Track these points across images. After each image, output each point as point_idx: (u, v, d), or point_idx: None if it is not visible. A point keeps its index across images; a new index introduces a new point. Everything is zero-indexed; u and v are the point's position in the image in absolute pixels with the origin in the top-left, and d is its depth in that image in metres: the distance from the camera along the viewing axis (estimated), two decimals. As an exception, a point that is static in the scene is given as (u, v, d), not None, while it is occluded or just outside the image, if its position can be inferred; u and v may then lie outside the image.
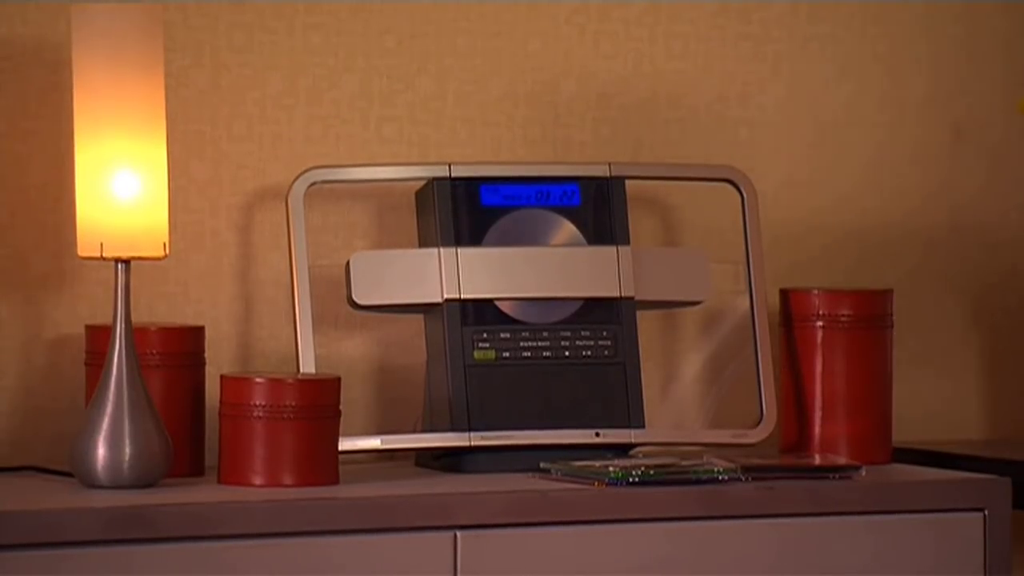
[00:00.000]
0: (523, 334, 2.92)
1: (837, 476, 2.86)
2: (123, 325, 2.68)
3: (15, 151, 2.84)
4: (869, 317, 3.03)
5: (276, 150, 2.97)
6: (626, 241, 2.95)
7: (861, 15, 3.25)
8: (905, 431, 3.17)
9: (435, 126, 3.04)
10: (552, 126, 3.08)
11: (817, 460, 2.96)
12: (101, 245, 2.68)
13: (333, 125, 3.00)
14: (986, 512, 2.90)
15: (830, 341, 3.03)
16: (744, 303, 3.08)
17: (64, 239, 2.82)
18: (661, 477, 2.78)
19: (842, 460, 2.96)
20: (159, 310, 2.88)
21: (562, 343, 2.93)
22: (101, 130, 2.69)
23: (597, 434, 2.92)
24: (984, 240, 3.29)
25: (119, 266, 2.68)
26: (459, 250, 2.91)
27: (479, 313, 2.91)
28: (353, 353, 3.00)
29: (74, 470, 2.70)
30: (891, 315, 3.05)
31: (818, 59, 3.23)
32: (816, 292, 3.03)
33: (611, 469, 2.77)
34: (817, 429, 3.03)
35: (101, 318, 2.82)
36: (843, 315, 3.02)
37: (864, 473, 2.90)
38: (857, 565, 2.86)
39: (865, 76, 3.25)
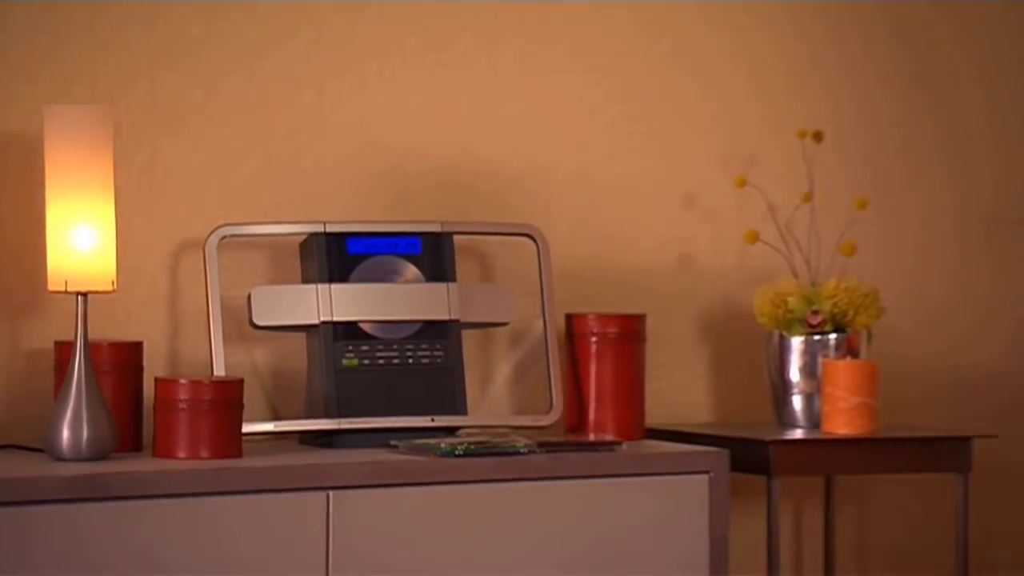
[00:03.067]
0: (378, 347, 2.90)
1: (605, 449, 2.86)
2: (82, 341, 2.66)
3: (0, 213, 2.82)
4: (628, 334, 3.03)
5: (197, 212, 2.94)
6: (454, 279, 2.94)
7: (629, 113, 3.23)
8: (654, 417, 3.16)
9: (314, 195, 3.02)
10: (400, 195, 3.06)
11: (591, 438, 2.98)
12: (66, 282, 2.66)
13: (239, 194, 2.97)
14: (711, 474, 2.89)
15: (601, 352, 3.02)
16: (539, 324, 3.06)
17: (38, 278, 2.78)
18: (479, 451, 2.78)
19: (609, 437, 2.98)
20: (109, 330, 2.84)
21: (407, 353, 2.91)
22: (65, 197, 2.67)
23: (432, 420, 2.90)
24: (712, 280, 3.26)
25: (79, 298, 2.66)
26: (331, 286, 2.88)
27: (346, 332, 2.89)
28: (253, 361, 2.97)
29: (45, 447, 2.67)
30: (644, 333, 3.05)
31: (598, 141, 3.20)
32: (591, 316, 3.03)
33: (442, 445, 2.77)
34: (591, 415, 3.03)
35: (66, 336, 2.78)
36: (610, 332, 3.02)
37: (624, 447, 2.90)
38: (620, 514, 2.85)
39: (632, 152, 3.22)
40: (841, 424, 3.03)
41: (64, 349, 2.75)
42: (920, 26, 3.39)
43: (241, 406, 2.74)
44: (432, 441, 2.81)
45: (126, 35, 2.91)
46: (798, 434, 3.07)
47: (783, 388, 3.12)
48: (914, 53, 3.38)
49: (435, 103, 3.09)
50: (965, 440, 3.09)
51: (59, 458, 2.67)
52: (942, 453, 3.09)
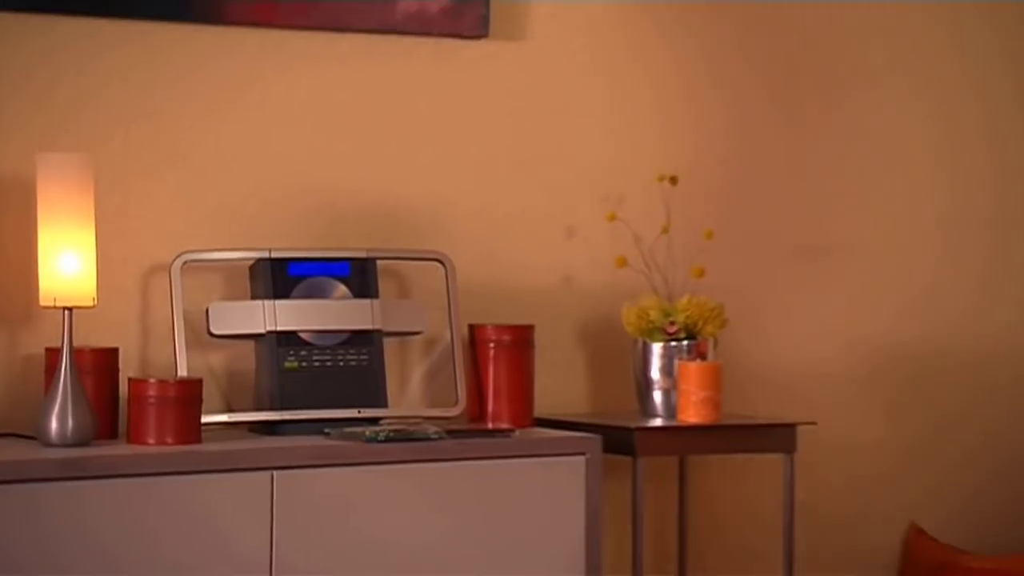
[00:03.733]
0: (314, 352, 2.88)
1: (501, 435, 2.87)
2: (67, 348, 2.66)
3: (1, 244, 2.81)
4: (520, 341, 3.03)
5: (163, 242, 2.91)
6: (376, 296, 2.93)
7: (529, 146, 3.22)
8: (541, 408, 3.12)
9: (261, 227, 3.00)
10: (332, 227, 3.03)
11: (490, 426, 2.98)
12: (54, 299, 2.66)
13: (199, 226, 2.95)
14: (587, 455, 2.87)
15: (497, 356, 3.02)
16: (447, 333, 3.04)
17: (32, 295, 2.74)
18: (397, 437, 2.77)
19: (504, 426, 2.98)
20: (90, 338, 2.81)
21: (338, 357, 2.89)
22: (54, 229, 2.67)
23: (359, 412, 2.88)
24: (588, 297, 3.24)
25: (65, 312, 2.66)
26: (275, 302, 2.87)
27: (287, 339, 2.87)
28: (210, 363, 2.94)
29: (37, 435, 2.66)
30: (533, 340, 3.05)
31: (496, 183, 3.17)
32: (489, 326, 3.03)
33: (367, 432, 2.77)
34: (489, 407, 3.02)
35: (54, 343, 2.75)
36: (505, 340, 3.02)
37: (517, 433, 2.91)
38: (513, 489, 2.84)
39: (524, 192, 3.20)
40: (692, 414, 3.03)
41: (53, 354, 2.73)
42: (750, 85, 3.38)
43: (200, 401, 2.74)
44: (359, 429, 2.80)
45: (104, 92, 2.89)
46: (658, 422, 3.07)
47: (646, 385, 3.10)
48: (747, 113, 3.38)
49: (361, 151, 3.08)
50: (790, 426, 3.10)
51: (49, 444, 2.65)
52: (772, 437, 3.08)
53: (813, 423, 3.15)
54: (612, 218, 3.16)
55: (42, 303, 2.67)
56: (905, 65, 3.52)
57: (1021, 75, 3.63)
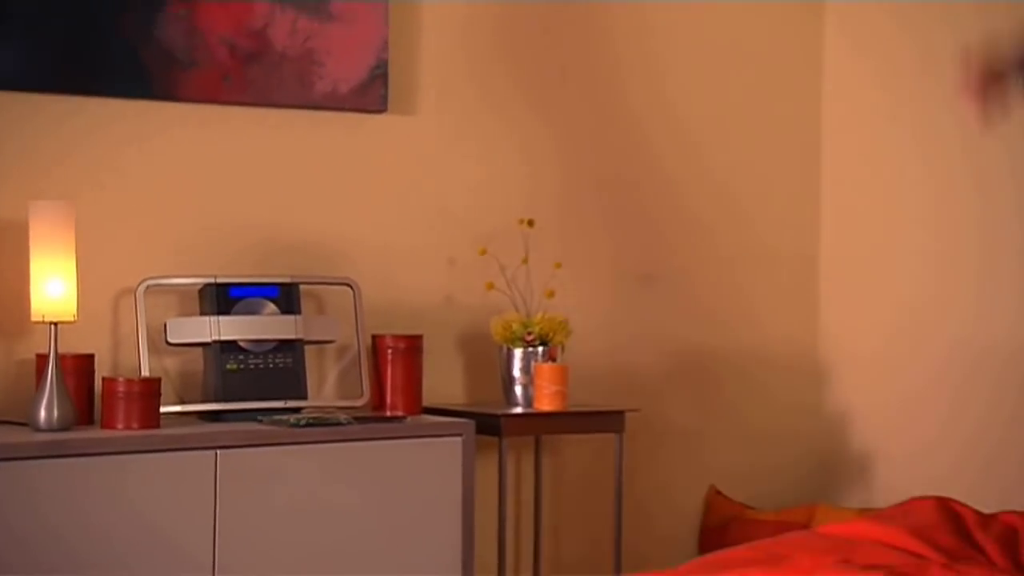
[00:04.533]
0: (250, 356, 2.86)
1: (397, 420, 2.86)
2: (54, 354, 2.65)
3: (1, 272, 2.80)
4: (412, 348, 3.01)
5: (130, 270, 2.88)
6: (300, 312, 2.90)
7: (443, 175, 3.18)
8: (428, 400, 3.09)
9: (208, 259, 2.97)
10: (265, 258, 3.00)
11: (388, 413, 2.97)
12: (43, 316, 2.66)
13: (159, 258, 2.92)
14: (463, 437, 2.85)
15: (394, 359, 2.99)
16: (355, 341, 3.00)
17: (25, 313, 2.71)
18: (315, 423, 2.76)
19: (399, 413, 2.96)
20: (72, 346, 2.77)
21: (268, 360, 2.87)
22: (43, 260, 2.67)
23: (285, 403, 2.85)
24: (465, 314, 3.21)
25: (52, 326, 2.66)
26: (219, 317, 2.85)
27: (229, 347, 2.85)
28: (168, 366, 2.91)
29: (29, 422, 2.64)
30: (422, 347, 3.02)
31: (393, 223, 3.13)
32: (388, 336, 3.00)
33: (291, 419, 2.76)
34: (388, 399, 3.00)
35: (43, 350, 2.72)
36: (400, 346, 2.99)
37: (409, 420, 2.89)
38: (406, 463, 2.81)
39: (415, 230, 3.15)
40: (545, 403, 3.04)
41: (42, 359, 2.71)
42: (598, 145, 3.37)
43: (159, 394, 2.72)
44: (285, 417, 2.79)
45: (83, 153, 2.87)
46: (518, 410, 3.06)
47: (509, 381, 3.12)
48: (593, 167, 3.37)
49: (288, 200, 3.07)
50: (620, 412, 3.10)
51: (38, 429, 2.63)
52: (606, 421, 3.09)
53: (637, 410, 3.17)
54: (483, 252, 3.14)
55: (33, 319, 2.67)
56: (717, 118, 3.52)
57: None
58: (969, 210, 3.34)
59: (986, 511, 2.32)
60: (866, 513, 2.96)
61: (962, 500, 2.34)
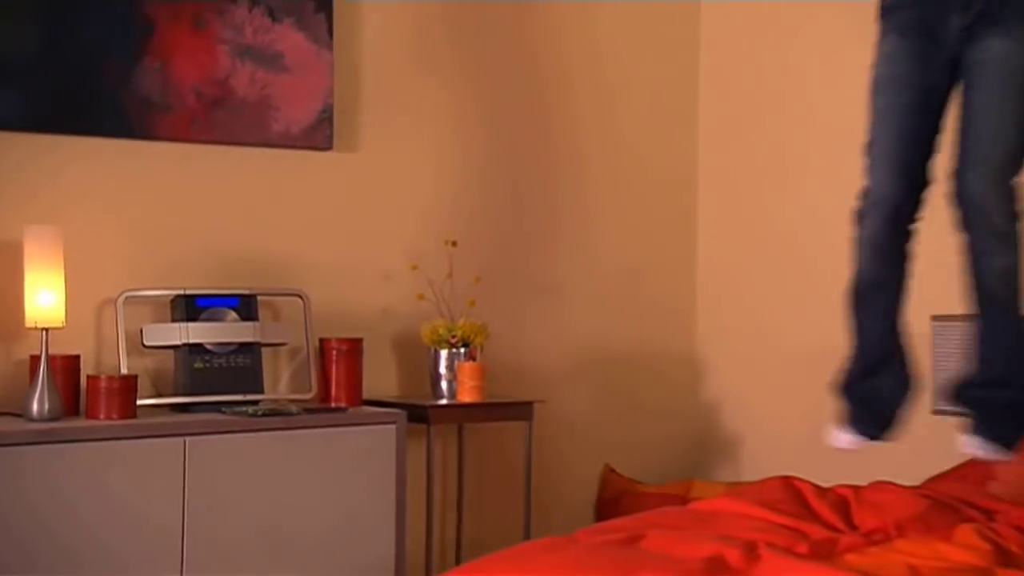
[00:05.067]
0: (215, 357, 2.85)
1: (340, 411, 2.85)
2: (45, 355, 2.65)
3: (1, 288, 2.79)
4: (353, 350, 2.98)
5: (111, 283, 2.87)
6: (257, 319, 2.89)
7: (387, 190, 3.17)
8: (367, 393, 3.03)
9: (179, 273, 2.95)
10: (226, 273, 2.94)
11: (333, 405, 2.95)
12: (36, 322, 2.67)
13: (136, 273, 2.91)
14: (397, 424, 2.84)
15: (338, 359, 2.96)
16: (305, 344, 2.99)
17: (20, 320, 2.71)
18: (270, 413, 2.75)
19: (343, 405, 2.94)
20: (61, 348, 2.76)
21: (230, 360, 2.86)
22: (35, 276, 2.67)
23: (244, 396, 2.83)
24: (400, 320, 3.16)
25: (43, 331, 2.66)
26: (188, 324, 2.84)
27: (197, 349, 2.83)
28: (144, 365, 2.89)
29: (23, 413, 2.64)
30: (362, 349, 2.99)
31: (339, 242, 3.11)
32: (333, 339, 2.94)
33: (250, 410, 2.76)
34: (332, 393, 2.97)
35: (36, 352, 2.71)
36: (343, 348, 2.96)
37: (350, 410, 2.88)
38: (348, 448, 2.79)
39: (356, 249, 3.13)
40: (466, 396, 3.05)
41: (35, 359, 2.71)
42: (517, 172, 3.37)
43: (136, 390, 2.72)
44: (244, 408, 2.79)
45: (70, 183, 2.86)
46: (444, 402, 3.05)
47: (436, 377, 3.11)
48: (510, 194, 3.37)
49: (247, 224, 3.07)
50: (529, 403, 3.12)
51: (31, 420, 2.62)
52: (518, 410, 3.10)
53: (543, 401, 3.21)
54: (415, 268, 3.15)
55: (27, 325, 2.67)
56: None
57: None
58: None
59: (826, 485, 2.42)
60: (733, 488, 3.04)
61: (808, 477, 2.43)
